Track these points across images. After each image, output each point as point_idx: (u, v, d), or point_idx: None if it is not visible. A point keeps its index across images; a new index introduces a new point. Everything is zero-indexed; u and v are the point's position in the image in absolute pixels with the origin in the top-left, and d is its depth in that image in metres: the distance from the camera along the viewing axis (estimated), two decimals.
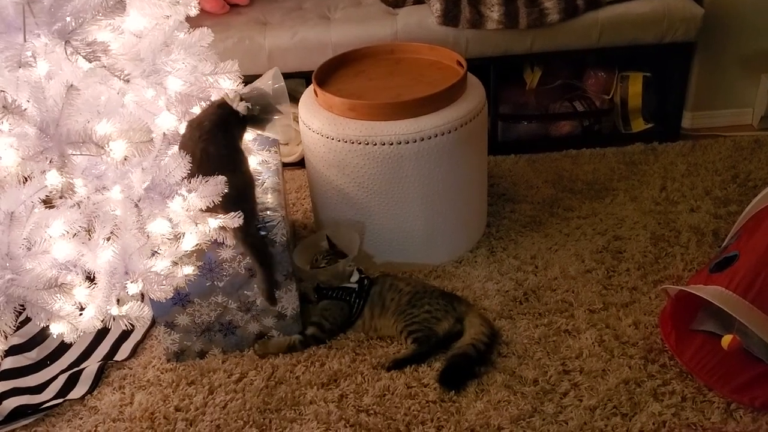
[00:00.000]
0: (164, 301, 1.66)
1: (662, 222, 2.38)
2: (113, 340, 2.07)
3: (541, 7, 2.61)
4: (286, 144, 2.89)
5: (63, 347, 2.05)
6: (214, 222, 1.66)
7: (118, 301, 1.52)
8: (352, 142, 2.07)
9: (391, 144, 2.04)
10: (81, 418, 1.85)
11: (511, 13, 2.59)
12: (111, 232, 1.51)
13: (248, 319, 1.98)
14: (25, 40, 1.30)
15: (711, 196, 2.50)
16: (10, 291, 1.35)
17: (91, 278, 1.50)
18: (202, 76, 1.71)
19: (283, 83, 2.05)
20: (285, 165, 2.79)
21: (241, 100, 1.86)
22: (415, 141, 2.04)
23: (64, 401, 1.89)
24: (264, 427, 1.77)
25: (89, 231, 1.50)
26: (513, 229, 2.41)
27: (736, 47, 2.83)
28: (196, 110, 1.80)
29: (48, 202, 1.43)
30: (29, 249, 1.38)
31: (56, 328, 1.45)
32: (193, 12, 1.72)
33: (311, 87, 2.25)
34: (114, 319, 1.53)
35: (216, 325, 1.96)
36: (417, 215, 2.17)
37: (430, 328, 1.93)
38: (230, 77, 1.80)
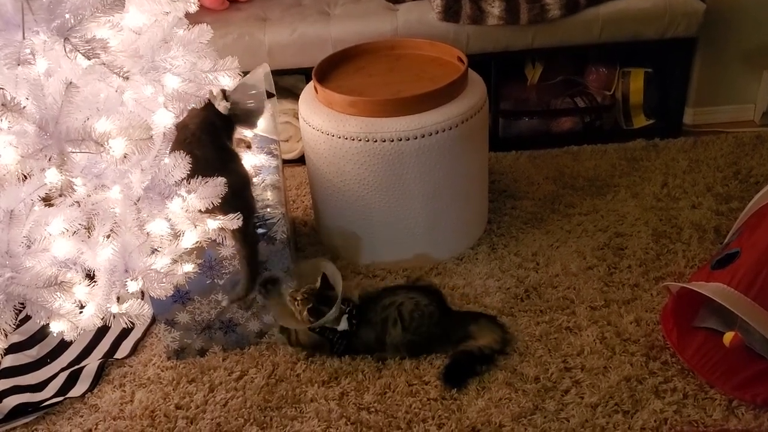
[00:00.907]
0: (164, 298, 1.66)
1: (664, 218, 2.38)
2: (113, 338, 2.06)
3: (542, 2, 2.60)
4: (287, 141, 2.89)
5: (63, 345, 2.04)
6: (213, 223, 1.66)
7: (118, 298, 1.52)
8: (353, 139, 2.06)
9: (392, 141, 2.04)
10: (81, 416, 1.85)
11: (512, 9, 2.58)
12: (111, 230, 1.50)
13: (248, 317, 1.97)
14: (24, 38, 1.29)
15: (713, 192, 2.49)
16: (9, 289, 1.34)
17: (90, 276, 1.50)
18: (202, 73, 1.70)
19: (269, 77, 2.05)
20: (285, 162, 2.79)
21: (225, 98, 1.85)
22: (416, 138, 2.04)
23: (65, 399, 1.89)
24: (265, 425, 1.76)
25: (89, 229, 1.49)
26: (514, 226, 2.40)
27: (737, 43, 2.82)
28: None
29: (47, 200, 1.42)
30: (29, 247, 1.38)
31: (56, 326, 1.44)
32: (193, 8, 1.71)
33: (311, 83, 2.24)
34: (114, 317, 1.52)
35: (216, 322, 1.96)
36: (418, 212, 2.17)
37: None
38: (230, 74, 1.79)
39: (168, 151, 1.63)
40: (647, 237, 2.29)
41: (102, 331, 2.06)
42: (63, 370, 1.98)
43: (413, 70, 2.27)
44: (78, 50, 1.27)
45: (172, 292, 1.62)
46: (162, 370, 1.95)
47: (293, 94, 2.82)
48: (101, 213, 1.50)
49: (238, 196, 1.78)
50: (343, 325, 1.91)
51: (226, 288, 1.91)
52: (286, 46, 2.67)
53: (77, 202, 1.46)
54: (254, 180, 2.05)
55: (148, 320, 2.01)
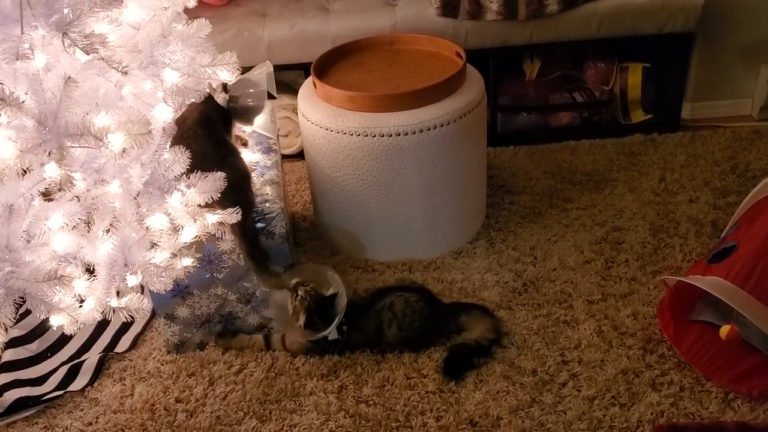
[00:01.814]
0: (164, 293, 1.66)
1: (661, 213, 2.38)
2: (113, 332, 2.07)
3: None
4: (286, 136, 2.89)
5: (63, 339, 2.05)
6: (213, 218, 1.67)
7: (117, 293, 1.52)
8: (351, 134, 2.07)
9: (390, 135, 2.04)
10: (82, 410, 1.86)
11: (510, 4, 2.58)
12: (110, 225, 1.51)
13: (248, 311, 1.98)
14: (22, 32, 1.29)
15: (710, 186, 2.50)
16: (9, 283, 1.35)
17: (90, 270, 1.50)
18: (201, 67, 1.70)
19: (272, 77, 2.05)
20: (284, 157, 2.79)
21: (226, 91, 1.86)
22: (414, 132, 2.04)
23: (65, 393, 1.90)
24: (264, 418, 1.77)
25: (88, 223, 1.50)
26: (512, 221, 2.41)
27: (735, 37, 2.82)
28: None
29: (47, 195, 1.43)
30: (29, 241, 1.38)
31: (56, 320, 1.45)
32: (192, 3, 1.71)
33: (310, 79, 2.25)
34: (114, 311, 1.53)
35: (216, 316, 1.97)
36: (416, 207, 2.18)
37: None
38: (228, 69, 1.79)
39: (167, 146, 1.63)
40: (645, 231, 2.30)
41: (102, 326, 2.07)
42: (63, 364, 1.99)
43: (412, 66, 2.27)
44: (77, 45, 1.27)
45: (171, 287, 1.62)
46: (162, 364, 1.96)
47: (292, 90, 2.83)
48: (101, 207, 1.50)
49: (236, 190, 1.78)
50: (333, 335, 1.90)
51: (226, 282, 1.91)
52: (285, 41, 2.67)
53: (77, 196, 1.46)
54: (253, 174, 2.06)
55: (148, 314, 2.03)
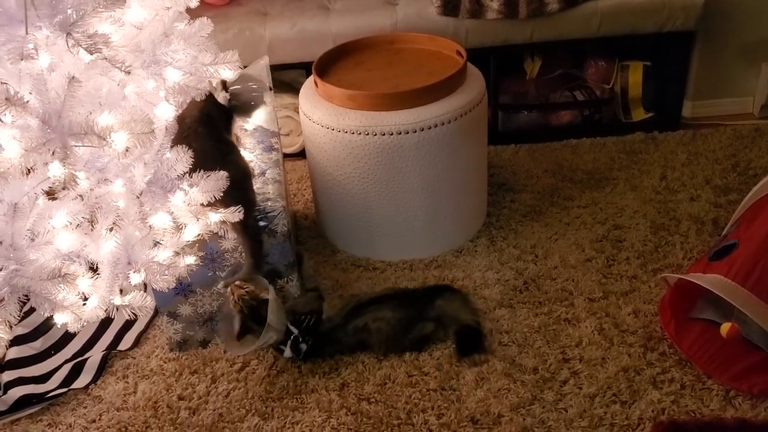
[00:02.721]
0: (167, 291, 1.67)
1: (662, 211, 2.39)
2: (116, 330, 2.08)
3: None
4: (287, 135, 2.90)
5: (67, 337, 2.06)
6: (215, 216, 1.67)
7: (121, 291, 1.53)
8: (353, 133, 2.07)
9: (391, 134, 2.05)
10: (85, 407, 1.87)
11: (510, 3, 2.59)
12: (113, 223, 1.52)
13: None
14: (26, 33, 1.30)
15: (711, 184, 2.50)
16: (14, 281, 1.36)
17: (94, 269, 1.51)
18: (203, 66, 1.71)
19: (267, 69, 2.06)
20: (286, 156, 2.80)
21: (225, 89, 1.86)
22: (415, 131, 2.05)
23: (69, 390, 1.91)
24: (266, 416, 1.78)
25: (92, 222, 1.51)
26: (513, 219, 2.42)
27: (736, 36, 2.82)
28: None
29: (51, 194, 1.44)
30: (33, 240, 1.39)
31: (60, 318, 1.46)
32: (194, 3, 1.72)
33: (311, 78, 2.25)
34: (117, 309, 1.54)
35: (218, 314, 1.98)
36: (417, 205, 2.18)
37: None
38: (230, 68, 1.80)
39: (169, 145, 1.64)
40: (646, 229, 2.31)
41: (105, 324, 2.08)
42: (67, 361, 2.00)
43: (412, 64, 2.28)
44: (80, 45, 1.28)
45: (174, 285, 1.63)
46: (164, 362, 1.97)
47: (294, 89, 2.84)
48: (104, 206, 1.51)
49: (237, 188, 1.79)
50: (287, 353, 1.89)
51: (228, 278, 1.92)
52: (286, 40, 2.68)
53: (80, 195, 1.47)
54: (254, 173, 2.07)
55: (151, 312, 2.04)
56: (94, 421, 1.82)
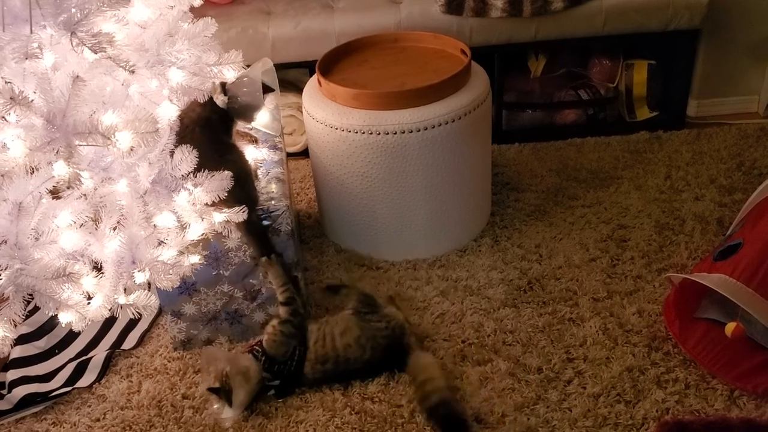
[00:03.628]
0: (171, 290, 1.67)
1: (667, 210, 2.38)
2: (120, 329, 2.09)
3: None
4: (290, 134, 2.90)
5: (71, 336, 2.07)
6: (219, 216, 1.68)
7: (125, 290, 1.53)
8: (356, 132, 2.07)
9: (395, 133, 2.05)
10: (89, 406, 1.87)
11: (515, 1, 2.59)
12: (117, 222, 1.52)
13: (254, 308, 1.99)
14: (31, 32, 1.30)
15: (716, 184, 2.49)
16: (18, 280, 1.36)
17: (98, 268, 1.51)
18: (206, 66, 1.71)
19: (273, 72, 2.05)
20: (289, 155, 2.80)
21: (224, 92, 1.86)
22: (419, 130, 2.05)
23: (73, 389, 1.91)
24: (270, 415, 1.78)
25: (96, 221, 1.51)
26: (517, 218, 2.41)
27: (741, 34, 2.81)
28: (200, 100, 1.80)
29: (55, 193, 1.44)
30: (37, 239, 1.39)
31: (65, 317, 1.46)
32: (197, 2, 1.72)
33: (315, 77, 2.25)
34: (121, 308, 1.54)
35: (222, 314, 1.98)
36: (421, 204, 2.18)
37: None
38: (234, 67, 1.80)
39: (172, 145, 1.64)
40: (650, 229, 2.30)
41: (109, 323, 2.08)
42: (71, 360, 2.00)
43: (416, 63, 2.27)
44: (84, 44, 1.28)
45: (178, 284, 1.63)
46: (168, 361, 1.97)
47: (297, 88, 2.84)
48: (108, 205, 1.51)
49: (238, 186, 1.79)
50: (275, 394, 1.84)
51: (232, 279, 1.92)
52: (289, 39, 2.68)
53: (84, 194, 1.47)
54: (258, 172, 2.07)
55: (155, 311, 2.04)
56: (98, 420, 1.83)
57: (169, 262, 1.57)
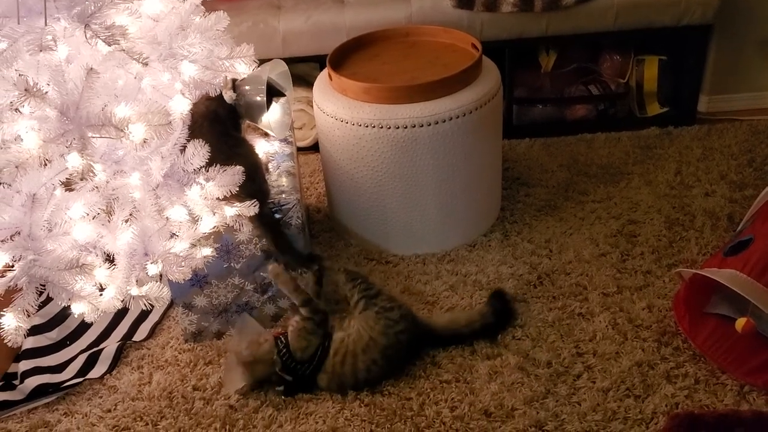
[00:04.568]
0: (182, 282, 1.68)
1: (677, 206, 2.38)
2: (131, 321, 2.10)
3: None
4: (300, 128, 2.90)
5: (82, 328, 2.08)
6: (231, 210, 1.68)
7: (137, 281, 1.54)
8: (366, 126, 2.07)
9: (406, 127, 2.05)
10: (101, 397, 1.88)
11: None
12: (130, 215, 1.53)
13: (264, 301, 2.00)
14: (45, 24, 1.31)
15: (726, 180, 2.49)
16: (32, 271, 1.37)
17: (110, 259, 1.52)
18: (218, 60, 1.72)
19: (287, 75, 2.04)
20: (299, 149, 2.80)
21: (234, 89, 1.87)
22: (430, 124, 2.05)
23: (84, 380, 1.92)
24: (280, 406, 1.79)
25: (109, 213, 1.52)
26: (527, 213, 2.41)
27: (754, 30, 2.80)
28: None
29: (68, 185, 1.45)
30: (50, 230, 1.40)
31: (77, 308, 1.47)
32: None
33: (325, 71, 2.26)
34: (133, 300, 1.55)
35: (233, 306, 1.99)
36: (431, 199, 2.18)
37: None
38: (246, 61, 1.81)
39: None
40: (660, 224, 2.30)
41: (120, 315, 2.10)
42: (82, 352, 2.01)
43: (427, 57, 2.27)
44: (98, 37, 1.29)
45: (190, 276, 1.64)
46: (179, 353, 1.99)
47: (307, 82, 2.84)
48: (121, 198, 1.52)
49: (248, 179, 1.80)
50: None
51: (243, 272, 1.93)
52: (300, 33, 2.68)
53: (97, 187, 1.48)
54: (269, 166, 2.07)
55: (167, 303, 2.05)
56: (109, 411, 1.84)
57: (181, 254, 1.58)
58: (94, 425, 1.80)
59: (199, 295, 1.95)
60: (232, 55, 1.74)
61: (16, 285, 1.38)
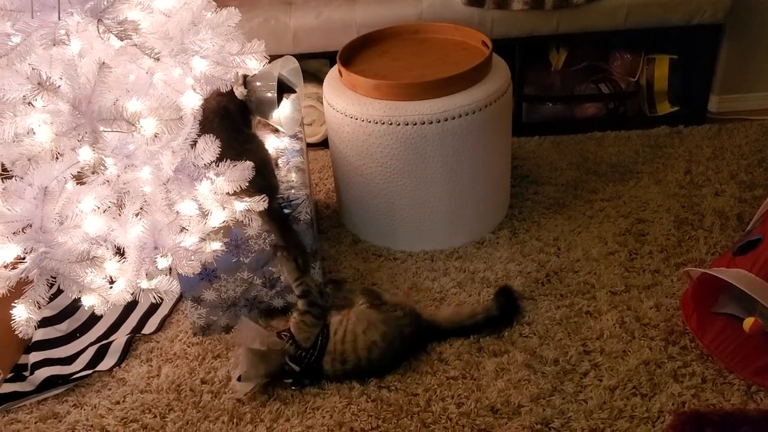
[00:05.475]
0: (192, 276, 1.69)
1: (686, 205, 2.37)
2: (141, 314, 2.11)
3: None
4: (310, 125, 2.91)
5: (92, 320, 2.10)
6: (240, 205, 1.69)
7: (147, 275, 1.56)
8: (376, 123, 2.08)
9: (415, 124, 2.05)
10: (110, 389, 1.90)
11: None
12: (140, 208, 1.54)
13: (273, 295, 2.01)
14: (59, 19, 1.32)
15: (736, 179, 2.48)
16: (43, 263, 1.38)
17: (121, 253, 1.54)
18: (230, 56, 1.72)
19: (298, 72, 2.05)
20: (308, 146, 2.81)
21: (245, 85, 1.87)
22: (439, 121, 2.05)
23: (94, 372, 1.94)
24: (287, 401, 1.80)
25: (119, 207, 1.53)
26: (536, 211, 2.41)
27: (765, 30, 2.78)
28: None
29: (79, 179, 1.46)
30: (61, 223, 1.41)
31: (88, 300, 1.48)
32: None
33: (335, 67, 2.26)
34: (143, 293, 1.56)
35: (241, 300, 2.00)
36: (440, 196, 2.19)
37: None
38: (257, 57, 1.81)
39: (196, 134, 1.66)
40: (669, 223, 2.29)
41: (130, 308, 2.12)
42: (92, 344, 2.03)
43: (437, 54, 2.28)
44: (111, 31, 1.29)
45: (199, 270, 1.65)
46: (188, 346, 2.00)
47: (317, 79, 2.85)
48: (131, 192, 1.53)
49: (258, 174, 1.81)
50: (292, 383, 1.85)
51: (252, 266, 1.94)
52: (311, 30, 2.69)
53: (108, 180, 1.49)
54: (278, 162, 2.08)
55: (176, 297, 2.06)
56: (118, 403, 1.86)
57: (190, 248, 1.59)
58: (103, 417, 1.82)
59: (208, 289, 1.96)
60: (243, 51, 1.74)
61: (28, 277, 1.40)
